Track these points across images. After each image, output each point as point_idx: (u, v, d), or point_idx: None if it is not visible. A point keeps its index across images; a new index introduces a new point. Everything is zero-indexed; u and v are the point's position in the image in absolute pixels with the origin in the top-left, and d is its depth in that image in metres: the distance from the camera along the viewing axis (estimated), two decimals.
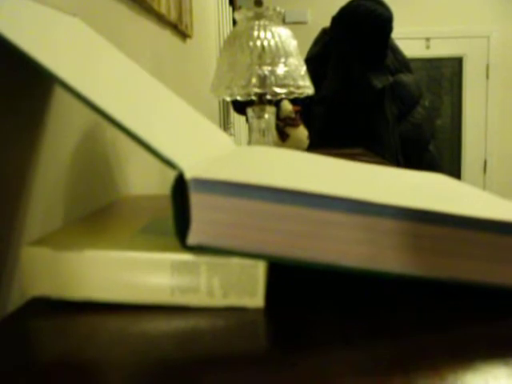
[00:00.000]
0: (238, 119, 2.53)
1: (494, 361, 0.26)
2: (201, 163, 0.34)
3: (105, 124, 0.59)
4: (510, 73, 4.35)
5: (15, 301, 0.40)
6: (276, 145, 0.89)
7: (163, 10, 0.96)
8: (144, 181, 0.77)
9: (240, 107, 1.61)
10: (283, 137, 1.19)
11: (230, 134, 2.17)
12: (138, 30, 0.80)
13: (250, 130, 0.88)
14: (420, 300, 0.34)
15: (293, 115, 1.21)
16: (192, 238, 0.31)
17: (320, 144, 1.70)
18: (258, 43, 0.82)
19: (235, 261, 0.32)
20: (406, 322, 0.31)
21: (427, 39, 4.42)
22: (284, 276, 0.38)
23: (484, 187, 4.48)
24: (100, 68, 0.42)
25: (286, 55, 0.82)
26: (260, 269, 0.32)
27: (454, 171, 4.47)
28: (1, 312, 0.38)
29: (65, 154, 0.49)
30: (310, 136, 1.28)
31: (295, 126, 1.21)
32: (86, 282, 0.33)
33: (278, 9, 0.87)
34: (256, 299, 0.32)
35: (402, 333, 0.29)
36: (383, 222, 0.31)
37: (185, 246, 0.31)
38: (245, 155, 0.45)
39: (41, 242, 0.35)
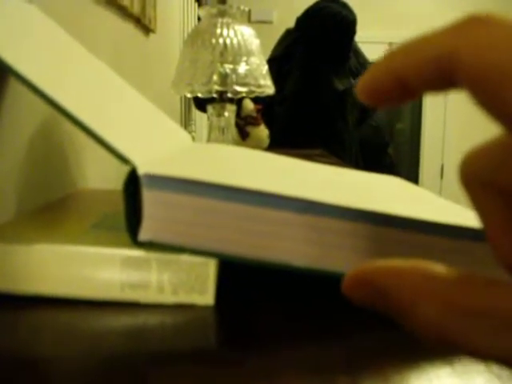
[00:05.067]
0: (199, 116, 2.52)
1: (438, 361, 0.27)
2: (155, 159, 0.34)
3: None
4: None
5: None
6: (236, 143, 0.89)
7: (126, 1, 0.94)
8: (101, 175, 0.76)
9: (201, 104, 1.60)
10: (244, 135, 1.19)
11: (191, 131, 2.16)
12: (99, 21, 0.79)
13: (210, 127, 0.87)
14: None
15: (254, 114, 1.22)
16: (143, 234, 0.31)
17: (280, 143, 1.70)
18: (221, 41, 0.82)
19: (185, 258, 0.32)
20: (353, 323, 0.31)
21: (390, 43, 4.48)
22: (234, 274, 0.38)
23: (440, 192, 4.57)
24: (56, 59, 0.41)
25: (248, 54, 0.82)
26: (210, 267, 0.32)
27: (412, 175, 4.55)
28: None
29: (19, 145, 0.48)
30: (271, 135, 1.28)
31: (256, 124, 1.21)
32: (35, 276, 0.33)
33: (242, 7, 0.87)
34: (206, 297, 0.32)
35: (349, 334, 0.30)
36: (331, 223, 0.31)
37: (136, 242, 0.31)
38: (201, 153, 0.45)
39: None
